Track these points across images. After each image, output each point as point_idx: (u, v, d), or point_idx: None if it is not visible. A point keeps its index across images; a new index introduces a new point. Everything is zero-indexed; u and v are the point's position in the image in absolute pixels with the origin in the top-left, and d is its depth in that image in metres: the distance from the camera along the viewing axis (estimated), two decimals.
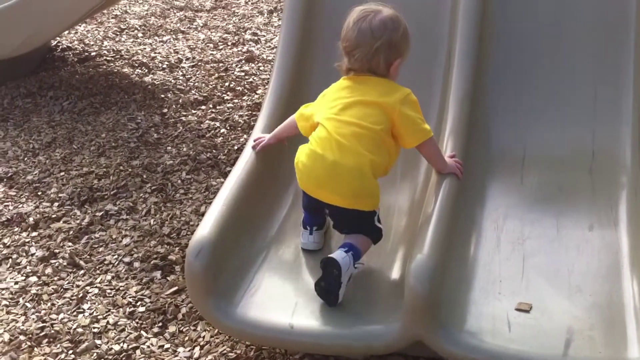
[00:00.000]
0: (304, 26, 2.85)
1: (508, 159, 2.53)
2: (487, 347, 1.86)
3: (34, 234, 2.96)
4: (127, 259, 2.77)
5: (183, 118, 3.90)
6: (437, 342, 1.87)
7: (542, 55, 2.69)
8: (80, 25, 5.00)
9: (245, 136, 3.65)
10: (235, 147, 3.57)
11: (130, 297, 2.57)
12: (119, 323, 2.45)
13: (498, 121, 2.58)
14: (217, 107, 4.00)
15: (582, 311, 1.96)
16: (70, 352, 2.34)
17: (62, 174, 3.38)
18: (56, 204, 3.14)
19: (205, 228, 2.08)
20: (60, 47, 4.83)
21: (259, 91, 4.16)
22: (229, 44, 4.90)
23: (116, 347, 2.34)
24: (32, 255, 2.83)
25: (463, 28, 2.62)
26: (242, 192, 2.24)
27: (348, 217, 2.13)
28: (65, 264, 2.76)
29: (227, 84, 4.26)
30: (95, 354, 2.32)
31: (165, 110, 3.98)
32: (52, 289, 2.64)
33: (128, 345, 2.35)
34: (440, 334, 1.86)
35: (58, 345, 2.37)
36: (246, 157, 2.38)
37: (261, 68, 4.48)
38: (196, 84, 4.29)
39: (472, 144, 2.40)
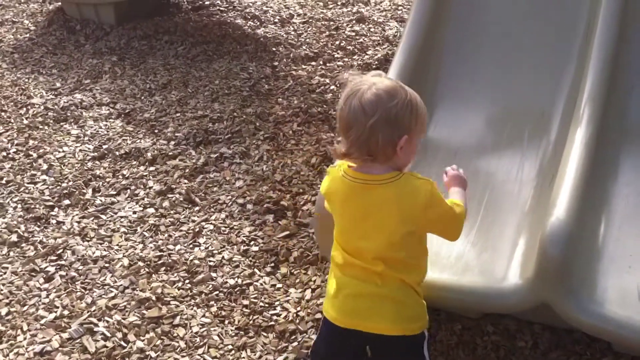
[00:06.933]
0: None
1: None
2: (616, 317, 1.80)
3: (152, 168, 3.05)
4: (240, 201, 2.82)
5: (293, 72, 3.92)
6: (566, 307, 1.82)
7: None
8: None
9: None
10: None
11: (243, 236, 2.62)
12: (233, 259, 2.51)
13: (636, 92, 2.47)
14: (327, 65, 4.00)
15: None
16: (187, 281, 2.41)
17: (178, 115, 3.46)
18: (172, 142, 3.22)
19: None
20: None
21: (369, 52, 4.13)
22: (339, 3, 4.87)
23: (231, 281, 2.40)
24: (150, 188, 2.91)
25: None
26: None
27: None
28: (181, 199, 2.84)
29: (337, 42, 4.25)
30: (210, 286, 2.38)
31: (276, 63, 4.01)
32: (169, 221, 2.72)
33: (242, 281, 2.40)
34: (570, 300, 1.82)
35: (175, 274, 2.44)
36: None
37: (372, 29, 4.43)
38: (307, 40, 4.30)
39: (609, 114, 2.30)
